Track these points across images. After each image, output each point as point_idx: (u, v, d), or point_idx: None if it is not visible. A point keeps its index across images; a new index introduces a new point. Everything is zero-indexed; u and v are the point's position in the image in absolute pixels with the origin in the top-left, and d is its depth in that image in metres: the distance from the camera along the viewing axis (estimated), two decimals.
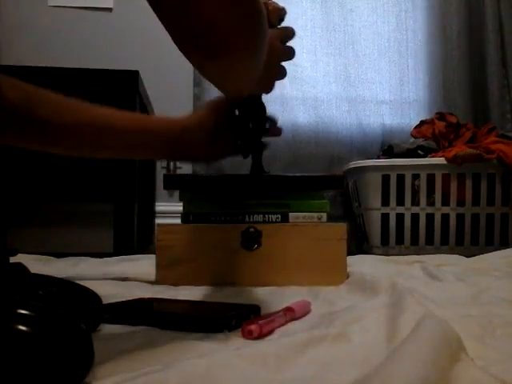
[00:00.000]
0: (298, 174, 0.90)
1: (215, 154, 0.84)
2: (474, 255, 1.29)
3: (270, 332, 0.49)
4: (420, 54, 2.16)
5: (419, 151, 1.75)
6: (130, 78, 1.59)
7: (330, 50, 2.11)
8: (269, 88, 0.73)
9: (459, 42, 2.13)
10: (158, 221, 1.97)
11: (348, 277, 0.85)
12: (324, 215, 0.88)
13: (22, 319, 0.31)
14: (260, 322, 0.47)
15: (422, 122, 1.93)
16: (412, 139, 1.85)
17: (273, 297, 0.72)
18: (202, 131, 0.78)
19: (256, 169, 0.85)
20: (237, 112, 0.80)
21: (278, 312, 0.53)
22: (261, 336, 0.46)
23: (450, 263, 1.15)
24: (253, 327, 0.46)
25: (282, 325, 0.52)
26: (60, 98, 0.68)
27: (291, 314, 0.55)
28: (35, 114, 0.64)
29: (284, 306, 0.56)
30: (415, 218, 1.66)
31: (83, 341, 0.32)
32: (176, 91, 2.05)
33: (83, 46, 2.04)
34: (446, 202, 1.64)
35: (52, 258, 1.27)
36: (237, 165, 2.01)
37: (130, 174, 1.56)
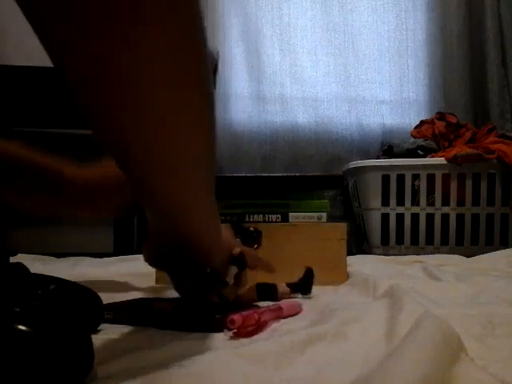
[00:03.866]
0: (298, 174, 0.90)
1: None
2: (474, 255, 1.29)
3: (259, 325, 0.48)
4: (420, 53, 2.16)
5: (419, 151, 1.75)
6: None
7: (330, 50, 2.11)
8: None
9: (459, 42, 2.13)
10: None
11: (348, 277, 0.85)
12: (324, 215, 0.88)
13: (22, 319, 0.31)
14: (243, 313, 0.47)
15: (422, 122, 1.93)
16: (412, 139, 1.85)
17: None
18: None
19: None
20: None
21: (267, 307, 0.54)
22: (244, 327, 0.46)
23: (450, 263, 1.15)
24: (235, 317, 0.46)
25: (271, 319, 0.52)
26: None
27: (279, 311, 0.55)
28: None
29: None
30: (415, 217, 1.65)
31: (83, 341, 0.32)
32: None
33: None
34: (446, 202, 1.64)
35: (52, 257, 1.27)
36: (236, 165, 2.02)
37: None
